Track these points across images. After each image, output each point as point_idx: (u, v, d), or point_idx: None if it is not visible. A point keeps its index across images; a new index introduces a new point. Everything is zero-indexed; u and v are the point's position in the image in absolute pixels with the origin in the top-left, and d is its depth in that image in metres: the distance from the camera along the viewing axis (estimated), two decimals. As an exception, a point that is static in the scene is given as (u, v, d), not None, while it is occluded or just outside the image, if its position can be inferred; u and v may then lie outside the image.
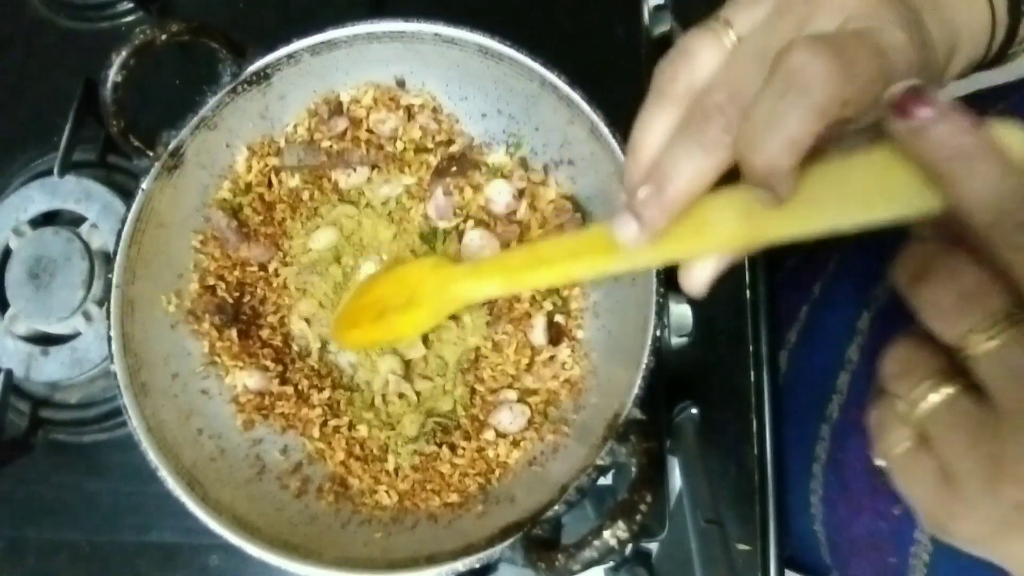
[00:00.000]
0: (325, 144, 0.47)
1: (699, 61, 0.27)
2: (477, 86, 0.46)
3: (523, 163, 0.47)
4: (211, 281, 0.46)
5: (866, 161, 0.25)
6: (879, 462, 0.27)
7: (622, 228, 0.27)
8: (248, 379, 0.45)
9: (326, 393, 0.47)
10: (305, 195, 0.48)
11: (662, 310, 0.38)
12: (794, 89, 0.23)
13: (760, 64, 0.25)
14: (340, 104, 0.47)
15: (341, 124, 0.47)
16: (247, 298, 0.48)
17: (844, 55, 0.23)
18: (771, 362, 0.51)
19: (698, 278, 0.28)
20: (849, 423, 0.45)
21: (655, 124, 0.27)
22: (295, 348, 0.48)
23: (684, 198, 0.26)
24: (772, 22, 0.26)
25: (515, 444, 0.44)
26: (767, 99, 0.23)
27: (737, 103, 0.25)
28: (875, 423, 0.26)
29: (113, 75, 0.39)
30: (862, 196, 0.25)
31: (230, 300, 0.46)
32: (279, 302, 0.48)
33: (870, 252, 0.47)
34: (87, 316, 0.52)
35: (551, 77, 0.41)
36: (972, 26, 0.33)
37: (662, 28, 0.56)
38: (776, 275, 0.52)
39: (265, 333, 0.47)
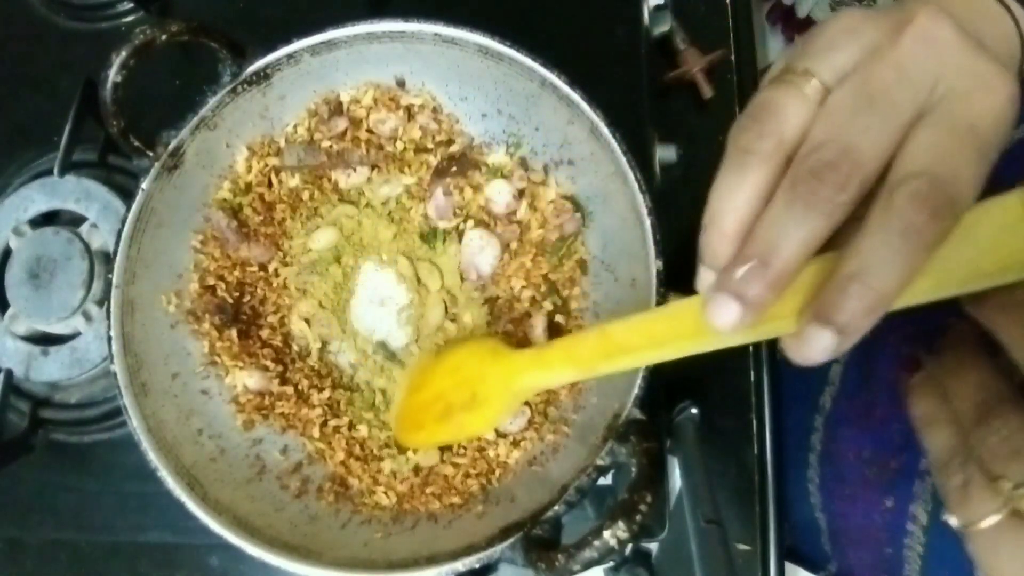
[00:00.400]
0: (325, 144, 0.47)
1: (785, 116, 0.24)
2: (477, 86, 0.46)
3: (523, 163, 0.47)
4: (211, 281, 0.46)
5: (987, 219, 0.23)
6: (953, 523, 0.26)
7: (721, 313, 0.24)
8: (248, 379, 0.45)
9: (326, 393, 0.47)
10: (305, 195, 0.48)
11: (662, 310, 0.38)
12: (907, 238, 0.22)
13: (864, 113, 0.23)
14: (340, 104, 0.47)
15: (341, 124, 0.47)
16: (247, 298, 0.48)
17: (948, 193, 0.22)
18: (771, 362, 0.51)
19: (817, 348, 0.23)
20: (840, 413, 0.46)
21: (742, 188, 0.24)
22: (295, 348, 0.48)
23: (795, 269, 0.23)
24: (867, 68, 0.24)
25: (515, 444, 0.44)
26: (879, 238, 0.22)
27: (850, 157, 0.23)
28: (958, 488, 0.26)
29: (113, 75, 0.39)
30: (980, 258, 0.23)
31: (230, 300, 0.46)
32: (279, 302, 0.48)
33: None
34: (87, 316, 0.52)
35: (551, 77, 0.41)
36: (1004, 50, 0.33)
37: (662, 28, 0.56)
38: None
39: (265, 333, 0.47)
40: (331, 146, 0.47)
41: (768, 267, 0.23)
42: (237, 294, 0.47)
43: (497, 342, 0.42)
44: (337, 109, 0.47)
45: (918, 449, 0.38)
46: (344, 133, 0.47)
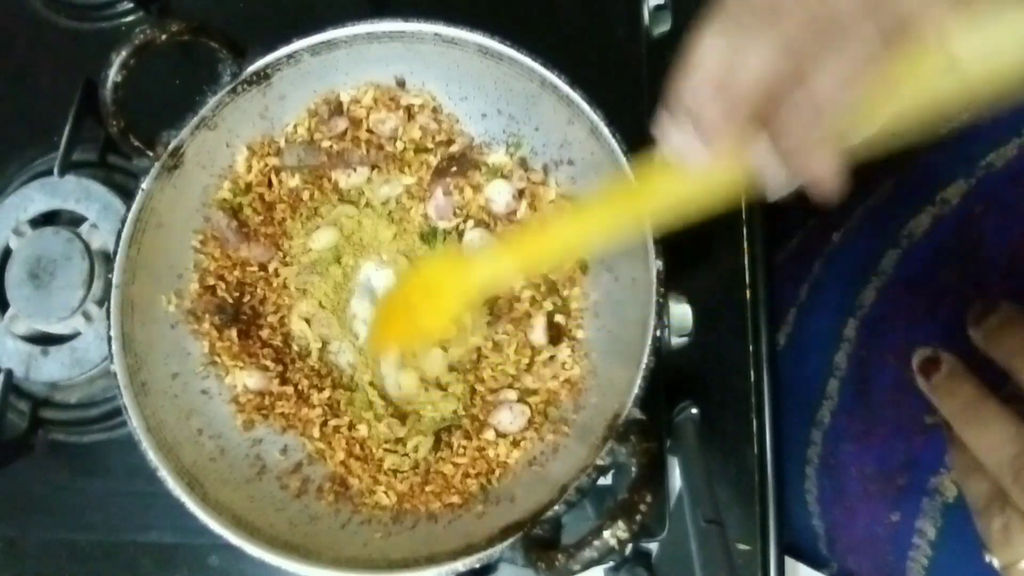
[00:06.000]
0: (325, 145, 0.47)
1: None
2: (477, 86, 0.46)
3: (523, 163, 0.47)
4: (211, 281, 0.46)
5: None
6: (994, 563, 0.27)
7: (679, 138, 0.25)
8: (248, 379, 0.45)
9: (326, 393, 0.47)
10: (305, 195, 0.48)
11: (662, 310, 0.38)
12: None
13: None
14: (340, 104, 0.47)
15: (341, 124, 0.47)
16: (247, 298, 0.48)
17: None
18: (771, 362, 0.51)
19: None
20: (840, 429, 0.46)
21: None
22: (295, 348, 0.48)
23: (750, 95, 0.24)
24: None
25: (515, 444, 0.44)
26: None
27: None
28: (999, 530, 0.27)
29: (113, 75, 0.39)
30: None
31: (230, 300, 0.46)
32: (279, 302, 0.48)
33: (853, 255, 0.48)
34: (87, 316, 0.52)
35: (551, 77, 0.41)
36: None
37: (662, 28, 0.56)
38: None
39: (265, 333, 0.47)
40: (331, 146, 0.47)
41: (724, 90, 0.24)
42: (237, 294, 0.47)
43: (451, 250, 0.44)
44: (337, 109, 0.47)
45: (926, 467, 0.39)
46: (344, 133, 0.47)
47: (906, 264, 0.43)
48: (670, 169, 0.28)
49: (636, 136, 0.41)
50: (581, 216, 0.35)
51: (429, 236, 0.49)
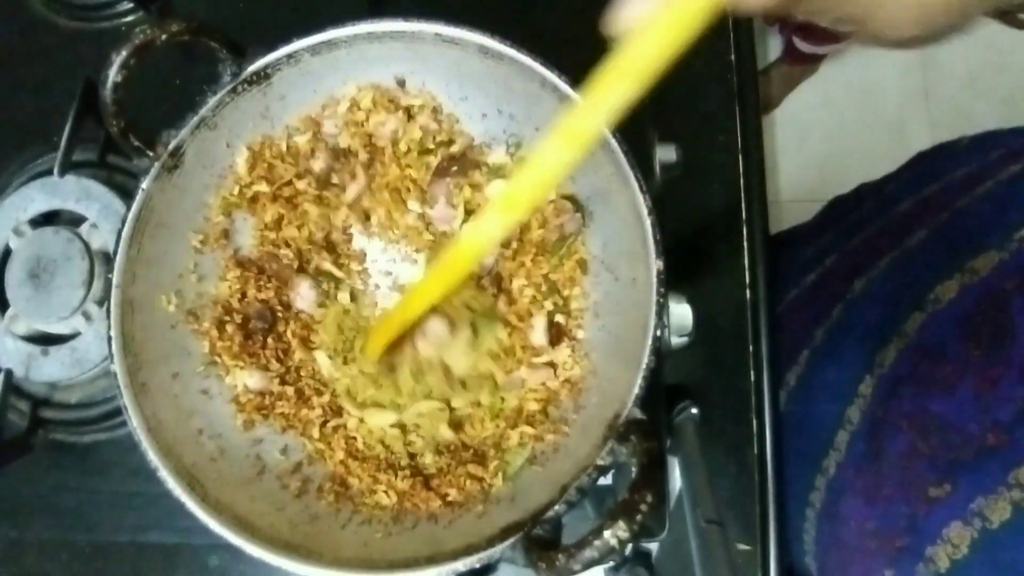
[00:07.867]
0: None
1: None
2: (477, 86, 0.46)
3: (523, 163, 0.47)
4: (242, 294, 0.47)
5: None
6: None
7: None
8: (248, 379, 0.45)
9: (326, 397, 0.47)
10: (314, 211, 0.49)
11: (662, 310, 0.38)
12: None
13: None
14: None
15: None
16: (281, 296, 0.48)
17: None
18: (771, 363, 0.51)
19: None
20: (845, 481, 0.45)
21: None
22: (298, 355, 0.48)
23: None
24: None
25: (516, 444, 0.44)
26: None
27: None
28: None
29: (113, 75, 0.39)
30: None
31: (263, 301, 0.47)
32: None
33: (875, 309, 0.47)
34: (87, 316, 0.52)
35: (551, 77, 0.41)
36: None
37: (662, 28, 0.55)
38: (777, 307, 0.51)
39: (271, 337, 0.47)
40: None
41: None
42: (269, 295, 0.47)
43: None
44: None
45: (926, 536, 0.38)
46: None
47: (930, 330, 0.42)
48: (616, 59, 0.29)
49: (636, 136, 0.41)
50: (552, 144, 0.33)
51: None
